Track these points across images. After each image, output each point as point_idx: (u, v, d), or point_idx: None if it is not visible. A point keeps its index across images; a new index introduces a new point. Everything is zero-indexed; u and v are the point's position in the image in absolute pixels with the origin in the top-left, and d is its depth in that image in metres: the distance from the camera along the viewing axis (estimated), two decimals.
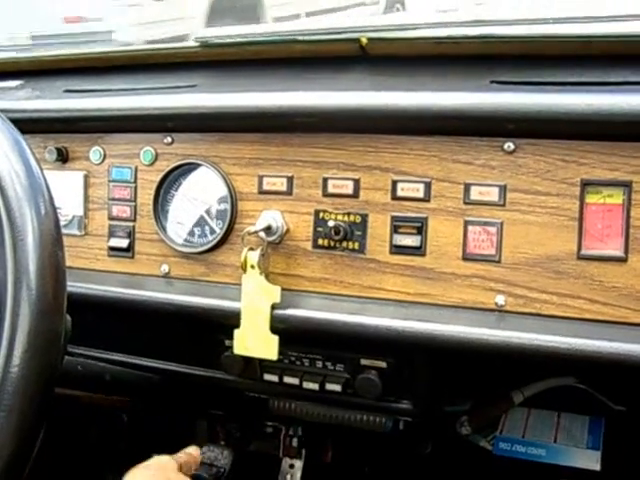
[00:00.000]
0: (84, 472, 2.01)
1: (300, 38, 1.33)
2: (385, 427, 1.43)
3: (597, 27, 1.19)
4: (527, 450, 1.74)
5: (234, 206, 1.30)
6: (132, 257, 1.40)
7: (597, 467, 1.64)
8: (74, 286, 1.38)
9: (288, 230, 1.27)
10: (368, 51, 1.27)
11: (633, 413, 1.58)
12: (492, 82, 1.18)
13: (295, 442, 1.77)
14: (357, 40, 1.27)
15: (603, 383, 1.50)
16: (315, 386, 1.31)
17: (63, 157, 1.46)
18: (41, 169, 1.00)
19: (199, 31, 1.45)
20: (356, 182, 1.23)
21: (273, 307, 1.23)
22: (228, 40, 1.40)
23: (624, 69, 1.14)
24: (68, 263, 1.43)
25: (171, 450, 1.70)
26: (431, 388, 1.33)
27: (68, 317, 1.12)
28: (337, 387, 1.30)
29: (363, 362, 1.28)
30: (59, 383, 1.32)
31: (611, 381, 1.48)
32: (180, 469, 1.24)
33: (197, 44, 1.40)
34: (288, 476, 1.79)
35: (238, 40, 1.40)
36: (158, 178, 1.36)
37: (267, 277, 1.24)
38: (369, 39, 1.26)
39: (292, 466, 1.79)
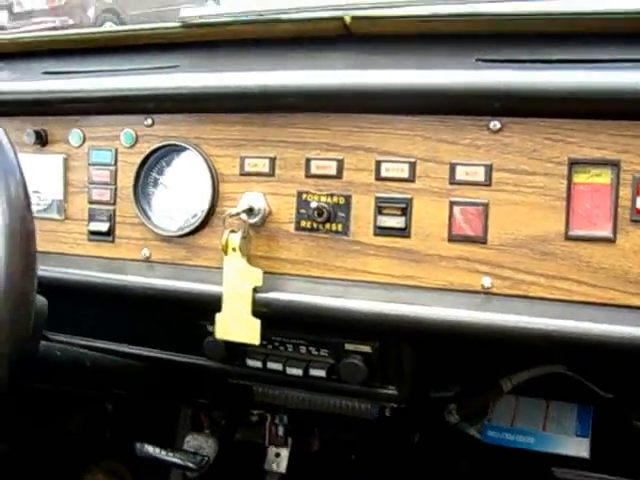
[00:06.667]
0: (68, 462, 1.99)
1: (283, 17, 1.30)
2: (371, 413, 1.41)
3: (584, 4, 1.16)
4: (516, 438, 1.72)
5: (215, 188, 1.28)
6: (112, 241, 1.38)
7: (586, 454, 1.63)
8: (53, 271, 1.37)
9: (270, 212, 1.25)
10: (352, 30, 1.25)
11: (621, 400, 1.57)
12: (478, 60, 1.16)
13: (281, 430, 1.75)
14: (341, 18, 1.25)
15: (592, 371, 1.49)
16: (299, 372, 1.28)
17: (42, 140, 1.43)
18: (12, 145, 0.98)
19: (181, 11, 1.42)
20: (339, 162, 1.20)
21: (255, 290, 1.20)
22: (210, 20, 1.37)
23: (611, 47, 1.11)
24: (48, 248, 1.42)
25: (155, 439, 1.69)
26: (417, 373, 1.31)
27: (43, 298, 1.10)
28: (321, 372, 1.28)
29: (347, 347, 1.26)
30: (37, 370, 1.30)
31: (600, 368, 1.47)
32: None
33: (179, 24, 1.37)
34: (274, 465, 1.77)
35: (220, 20, 1.37)
36: (139, 160, 1.34)
37: (249, 260, 1.22)
38: (353, 17, 1.23)
39: (278, 455, 1.77)
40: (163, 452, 1.66)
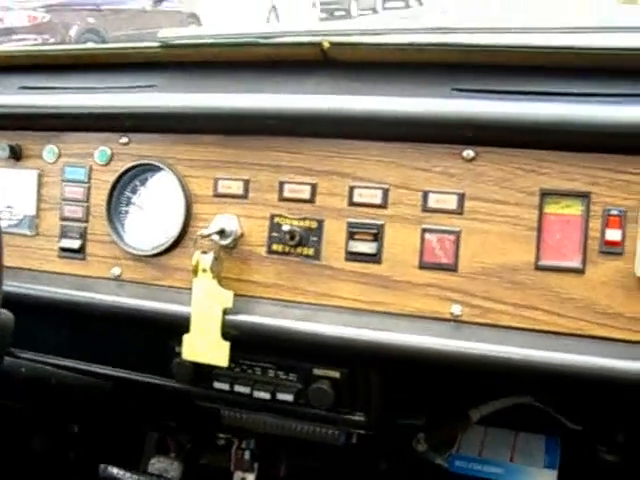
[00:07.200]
0: None
1: (261, 41, 1.31)
2: (338, 439, 1.40)
3: (559, 39, 1.18)
4: (483, 469, 1.71)
5: (188, 209, 1.28)
6: (83, 259, 1.37)
7: None
8: (22, 287, 1.36)
9: (242, 234, 1.24)
10: (330, 56, 1.25)
11: (589, 432, 1.57)
12: (453, 89, 1.17)
13: (248, 455, 1.73)
14: (319, 44, 1.25)
15: (560, 402, 1.49)
16: (266, 395, 1.27)
17: (16, 155, 1.42)
18: None
19: (161, 31, 1.42)
20: (313, 187, 1.21)
21: (225, 312, 1.20)
22: (189, 41, 1.38)
23: (583, 80, 1.13)
24: (17, 263, 1.41)
25: (120, 461, 1.67)
26: (385, 400, 1.31)
27: (9, 313, 1.09)
28: (289, 397, 1.27)
29: (316, 372, 1.26)
30: (1, 386, 1.29)
31: (567, 400, 1.47)
32: None
33: (157, 44, 1.38)
34: None
35: (199, 41, 1.38)
36: (112, 179, 1.33)
37: (220, 282, 1.21)
38: (331, 43, 1.24)
39: None
40: (127, 474, 1.64)
